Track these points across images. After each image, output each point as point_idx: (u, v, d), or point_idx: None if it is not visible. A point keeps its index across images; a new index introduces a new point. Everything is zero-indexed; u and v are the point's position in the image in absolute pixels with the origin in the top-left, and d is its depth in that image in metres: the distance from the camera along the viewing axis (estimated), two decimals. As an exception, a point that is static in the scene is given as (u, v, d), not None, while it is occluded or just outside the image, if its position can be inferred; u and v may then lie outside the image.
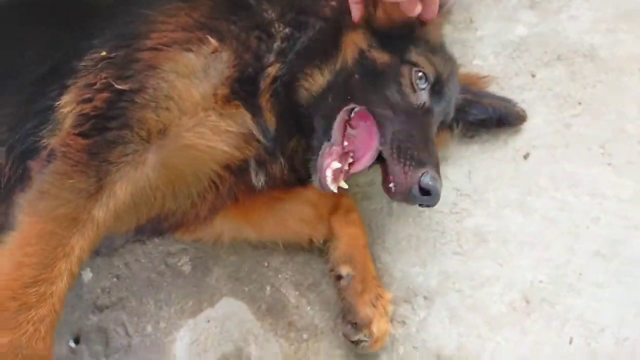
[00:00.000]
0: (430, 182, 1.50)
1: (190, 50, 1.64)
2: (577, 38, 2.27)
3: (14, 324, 1.41)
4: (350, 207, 2.04)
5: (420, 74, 1.67)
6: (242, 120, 1.67)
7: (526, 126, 2.14)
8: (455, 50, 2.30)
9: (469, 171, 2.15)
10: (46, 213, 1.47)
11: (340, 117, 1.61)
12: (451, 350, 1.92)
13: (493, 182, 2.12)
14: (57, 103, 1.62)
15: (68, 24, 1.76)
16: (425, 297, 1.99)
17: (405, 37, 1.71)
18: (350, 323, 1.87)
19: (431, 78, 1.69)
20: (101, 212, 1.49)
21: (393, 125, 1.58)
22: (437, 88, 1.71)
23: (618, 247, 1.97)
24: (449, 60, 1.85)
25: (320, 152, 1.58)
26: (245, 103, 1.67)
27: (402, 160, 1.53)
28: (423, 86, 1.67)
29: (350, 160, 1.59)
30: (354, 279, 1.92)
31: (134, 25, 1.69)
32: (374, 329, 1.85)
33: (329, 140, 1.59)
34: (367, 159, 1.58)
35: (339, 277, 1.95)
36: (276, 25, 1.75)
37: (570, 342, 1.87)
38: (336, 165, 1.55)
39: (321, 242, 2.03)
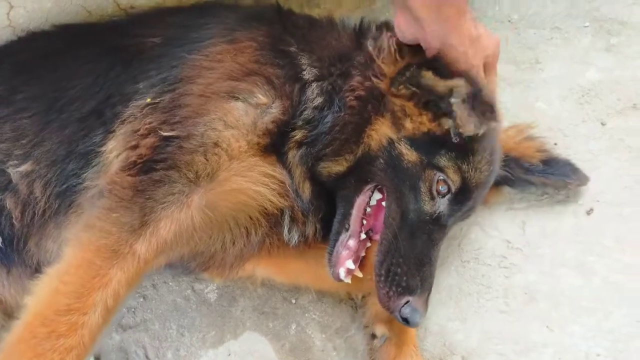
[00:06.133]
0: (408, 315, 1.55)
1: (238, 99, 1.62)
2: (658, 87, 2.08)
3: (40, 351, 1.40)
4: None
5: (442, 182, 1.60)
6: (280, 169, 1.67)
7: (591, 179, 1.94)
8: (517, 92, 2.17)
9: (522, 222, 1.97)
10: (88, 244, 1.50)
11: (359, 204, 1.65)
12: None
13: (549, 237, 1.94)
14: (103, 149, 1.64)
15: (115, 60, 1.75)
16: (462, 358, 1.82)
17: (437, 140, 1.61)
18: None
19: (454, 187, 1.62)
20: (143, 247, 1.50)
21: (394, 239, 1.59)
22: (460, 197, 1.64)
23: (692, 324, 1.72)
24: (488, 163, 1.66)
25: (337, 245, 1.65)
26: (279, 157, 1.67)
27: (387, 285, 1.57)
28: (444, 194, 1.61)
29: (369, 237, 1.69)
30: (388, 341, 1.79)
31: (179, 70, 1.68)
32: None
33: (346, 228, 1.65)
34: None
35: (372, 336, 1.83)
36: (313, 87, 1.67)
37: None
38: (350, 265, 1.64)
39: (360, 297, 1.91)
